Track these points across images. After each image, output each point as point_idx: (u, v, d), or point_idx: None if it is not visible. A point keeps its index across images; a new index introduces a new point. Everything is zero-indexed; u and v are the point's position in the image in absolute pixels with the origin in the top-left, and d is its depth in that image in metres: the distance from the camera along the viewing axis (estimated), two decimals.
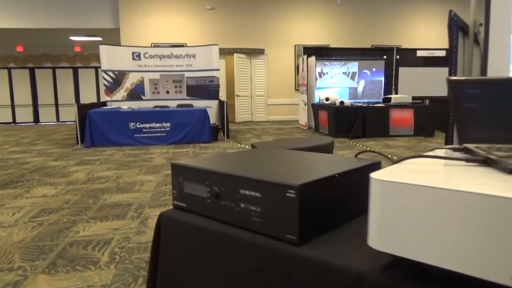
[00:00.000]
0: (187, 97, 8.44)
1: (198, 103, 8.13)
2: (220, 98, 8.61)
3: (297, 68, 11.66)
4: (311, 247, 0.74)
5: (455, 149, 0.79)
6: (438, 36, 12.24)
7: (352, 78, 9.51)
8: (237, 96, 11.23)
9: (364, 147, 6.39)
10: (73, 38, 12.31)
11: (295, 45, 11.75)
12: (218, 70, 8.54)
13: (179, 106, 7.59)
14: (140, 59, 8.36)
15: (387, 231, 0.59)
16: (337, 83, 9.44)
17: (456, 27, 2.71)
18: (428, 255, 0.55)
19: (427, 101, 8.59)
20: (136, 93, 8.37)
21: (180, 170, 0.98)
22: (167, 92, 8.49)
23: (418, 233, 0.56)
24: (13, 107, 13.44)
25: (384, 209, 0.59)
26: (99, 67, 11.05)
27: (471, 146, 0.75)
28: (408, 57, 9.91)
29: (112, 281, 1.91)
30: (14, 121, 13.45)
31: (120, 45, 9.48)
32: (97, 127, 6.66)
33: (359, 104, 8.19)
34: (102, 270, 2.03)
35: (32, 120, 13.54)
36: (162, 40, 10.99)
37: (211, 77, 8.42)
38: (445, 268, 0.54)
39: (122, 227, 2.70)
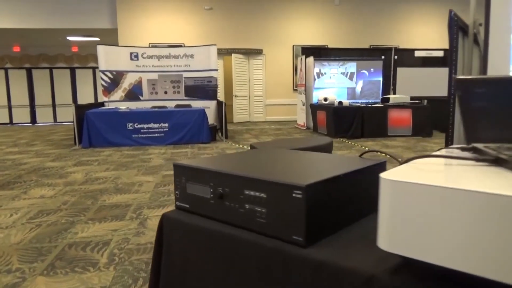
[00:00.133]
0: (185, 98, 8.42)
1: (196, 104, 8.11)
2: (218, 98, 8.59)
3: (295, 69, 11.65)
4: (318, 249, 0.73)
5: (463, 149, 0.78)
6: (436, 36, 12.27)
7: (350, 78, 9.52)
8: (235, 96, 11.21)
9: (363, 147, 6.39)
10: (70, 38, 12.27)
11: (293, 45, 11.75)
12: (216, 70, 8.52)
13: (177, 106, 7.57)
14: (138, 60, 8.33)
15: (397, 233, 0.58)
16: (335, 83, 9.44)
17: (456, 27, 2.71)
18: (440, 256, 0.54)
19: (425, 101, 8.60)
20: (134, 94, 8.34)
21: (183, 170, 0.97)
22: (165, 92, 8.47)
23: (430, 234, 0.55)
24: (10, 107, 13.37)
25: (395, 210, 0.58)
26: (97, 67, 11.02)
27: (479, 145, 0.74)
28: (406, 57, 9.93)
29: (111, 282, 1.89)
30: (11, 122, 13.39)
31: (118, 45, 9.45)
32: (95, 128, 6.63)
33: (358, 104, 8.19)
34: (101, 272, 2.01)
35: (29, 121, 13.48)
36: (160, 40, 10.97)
37: (209, 78, 8.40)
38: (458, 270, 0.53)
39: (121, 228, 2.68)
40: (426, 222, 0.55)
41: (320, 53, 10.08)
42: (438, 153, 0.76)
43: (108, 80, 8.17)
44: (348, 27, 12.00)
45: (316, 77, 9.32)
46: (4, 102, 13.34)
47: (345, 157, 1.00)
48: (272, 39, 11.65)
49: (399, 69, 9.72)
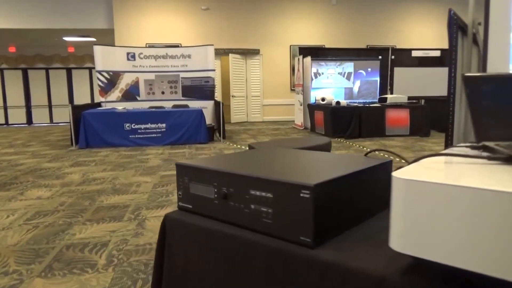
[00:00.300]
0: (183, 98, 8.39)
1: (194, 104, 8.08)
2: (216, 98, 8.57)
3: (292, 69, 11.65)
4: (326, 250, 0.71)
5: (473, 147, 0.76)
6: (433, 36, 12.30)
7: (348, 78, 9.52)
8: (232, 96, 11.19)
9: (361, 147, 6.39)
10: (66, 38, 12.20)
11: (290, 46, 11.74)
12: (214, 70, 8.50)
13: (174, 106, 7.54)
14: (135, 60, 8.29)
15: (410, 233, 0.56)
16: (332, 84, 9.44)
17: (456, 26, 2.70)
18: (455, 257, 0.53)
19: (423, 101, 8.62)
20: (131, 94, 8.31)
21: (186, 170, 0.95)
22: (162, 92, 8.44)
23: (444, 234, 0.53)
24: (5, 108, 13.28)
25: (408, 210, 0.56)
26: (93, 67, 10.96)
27: (490, 144, 0.72)
28: (403, 57, 9.94)
29: (110, 284, 1.87)
30: (6, 123, 13.30)
31: (115, 46, 9.40)
32: (92, 128, 6.59)
33: (355, 104, 8.18)
34: (100, 273, 1.98)
35: (25, 122, 13.39)
36: (157, 41, 10.93)
37: (206, 78, 8.38)
38: (474, 272, 0.51)
39: (119, 229, 2.66)
40: (440, 222, 0.53)
41: (318, 53, 10.08)
42: (448, 151, 0.74)
43: (105, 81, 8.13)
44: (345, 27, 12.01)
45: (313, 77, 9.31)
46: (0, 103, 13.25)
47: (351, 157, 0.99)
48: (269, 39, 11.63)
49: (396, 69, 9.73)
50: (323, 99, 8.29)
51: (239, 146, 6.71)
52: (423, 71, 9.59)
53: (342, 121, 7.52)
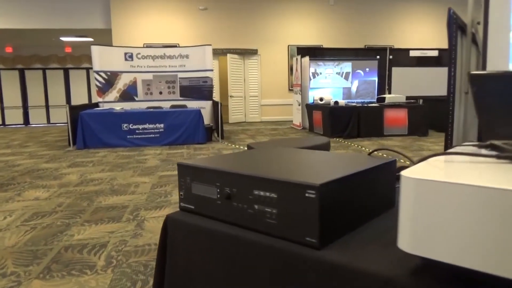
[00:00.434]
0: (181, 98, 8.37)
1: (192, 104, 8.06)
2: (214, 98, 8.55)
3: (290, 69, 11.64)
4: (332, 250, 0.70)
5: (480, 146, 0.75)
6: (430, 36, 12.32)
7: (346, 78, 9.52)
8: (230, 96, 11.18)
9: (359, 147, 6.38)
10: (63, 38, 12.16)
11: (288, 46, 11.74)
12: (212, 70, 8.48)
13: (172, 107, 7.52)
14: (132, 60, 8.27)
15: (420, 233, 0.55)
16: (330, 83, 9.44)
17: (455, 25, 2.70)
18: (467, 258, 0.51)
19: (421, 101, 8.62)
20: (128, 94, 8.28)
21: (187, 170, 0.93)
22: (160, 93, 8.41)
23: (455, 234, 0.52)
24: (2, 109, 13.22)
25: (418, 210, 0.55)
26: (91, 68, 10.92)
27: (498, 142, 0.71)
28: (401, 57, 9.95)
29: (109, 285, 1.85)
30: (3, 123, 13.24)
31: (112, 46, 9.37)
32: (90, 129, 6.56)
33: (353, 104, 8.19)
34: (99, 275, 1.97)
35: (22, 122, 13.33)
36: (154, 41, 10.90)
37: (204, 78, 8.36)
38: (487, 273, 0.50)
39: (118, 230, 2.64)
40: (451, 222, 0.52)
41: (315, 53, 10.08)
42: (456, 150, 0.73)
43: (103, 81, 8.10)
44: (343, 27, 12.01)
45: (311, 77, 9.31)
46: None
47: (354, 156, 0.98)
48: (267, 39, 11.63)
49: (394, 69, 9.74)
50: (321, 99, 8.29)
51: (237, 146, 6.70)
52: (421, 71, 9.60)
53: (340, 121, 7.52)
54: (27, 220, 2.87)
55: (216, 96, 10.30)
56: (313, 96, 9.08)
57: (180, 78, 8.40)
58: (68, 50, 13.30)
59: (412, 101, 8.26)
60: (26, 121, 13.39)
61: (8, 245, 2.40)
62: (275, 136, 8.04)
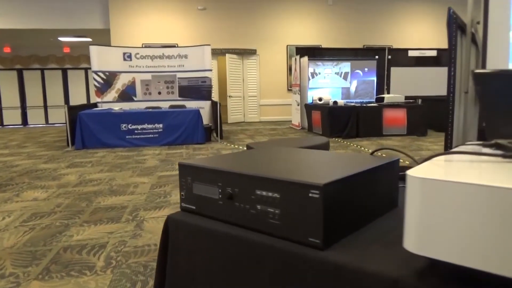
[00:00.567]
0: (179, 98, 8.36)
1: (191, 104, 8.05)
2: (213, 98, 8.54)
3: (289, 69, 11.63)
4: (336, 251, 0.69)
5: (484, 145, 0.74)
6: (429, 36, 12.33)
7: (345, 78, 9.52)
8: (229, 96, 11.16)
9: (359, 146, 6.38)
10: (62, 39, 12.12)
11: (287, 46, 11.73)
12: (211, 70, 8.47)
13: (171, 107, 7.51)
14: (131, 60, 8.25)
15: (426, 234, 0.54)
16: (329, 83, 9.44)
17: (455, 25, 2.69)
18: (474, 259, 0.51)
19: (420, 101, 8.63)
20: (127, 94, 8.26)
21: (189, 170, 0.92)
22: (159, 93, 8.40)
23: (463, 235, 0.51)
24: (0, 109, 13.19)
25: (424, 210, 0.54)
26: (89, 68, 10.90)
27: (503, 141, 0.70)
28: (400, 57, 9.96)
29: (109, 286, 1.84)
30: (1, 124, 13.20)
31: (111, 46, 9.35)
32: (88, 129, 6.54)
33: (352, 104, 8.19)
34: (98, 276, 1.96)
35: (20, 123, 13.29)
36: (153, 41, 10.88)
37: (203, 78, 8.34)
38: (494, 274, 0.49)
39: (117, 230, 2.63)
40: (459, 222, 0.51)
41: (314, 53, 10.08)
42: (461, 149, 0.73)
43: (101, 81, 8.08)
44: (341, 27, 12.01)
45: (310, 77, 9.30)
46: None
47: (357, 155, 0.97)
48: (266, 39, 11.62)
49: (392, 69, 9.75)
50: (320, 99, 8.28)
51: (236, 146, 6.69)
52: (419, 71, 9.61)
53: (339, 121, 7.51)
54: (26, 221, 2.86)
55: (215, 96, 10.29)
56: (312, 96, 9.07)
57: (179, 78, 8.39)
58: (66, 50, 13.27)
59: (411, 101, 8.26)
60: (25, 121, 13.36)
61: (6, 246, 2.38)
62: (274, 136, 8.03)
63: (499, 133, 0.77)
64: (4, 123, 13.19)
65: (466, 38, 3.09)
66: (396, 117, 7.72)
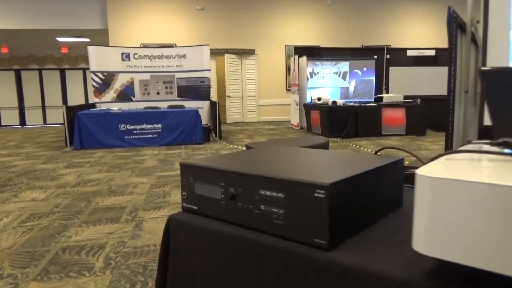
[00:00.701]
0: (178, 98, 8.33)
1: (189, 104, 8.03)
2: (212, 98, 8.52)
3: (288, 68, 11.62)
4: (342, 252, 0.68)
5: (492, 144, 0.73)
6: (427, 35, 12.33)
7: (343, 78, 9.52)
8: (228, 96, 11.15)
9: (358, 146, 6.38)
10: (60, 39, 12.08)
11: (285, 45, 11.72)
12: (209, 70, 8.45)
13: (170, 107, 7.48)
14: (129, 60, 8.22)
15: (436, 234, 0.53)
16: (328, 83, 9.43)
17: (455, 24, 2.68)
18: (485, 260, 0.49)
19: (418, 100, 8.63)
20: (125, 94, 8.24)
21: (191, 170, 0.91)
22: (158, 93, 8.37)
23: (473, 235, 0.50)
24: None
25: (434, 210, 0.53)
26: (87, 68, 10.85)
27: (511, 140, 0.69)
28: (399, 56, 9.96)
29: (108, 287, 1.83)
30: None
31: (109, 46, 9.32)
32: (87, 129, 6.52)
33: (351, 103, 8.18)
34: (98, 276, 1.94)
35: (18, 123, 13.24)
36: (151, 41, 10.85)
37: (202, 78, 8.32)
38: (505, 275, 0.48)
39: (116, 231, 2.61)
40: (469, 222, 0.50)
41: (313, 53, 10.07)
42: (468, 148, 0.71)
43: (99, 81, 8.05)
44: (340, 26, 12.01)
45: (309, 77, 9.30)
46: None
47: (362, 155, 0.96)
48: (264, 39, 11.60)
49: (391, 68, 9.75)
50: (319, 99, 8.27)
51: (235, 146, 6.67)
52: (418, 71, 9.61)
53: (338, 121, 7.51)
54: (24, 221, 2.84)
55: (213, 96, 10.26)
56: (311, 96, 9.06)
57: (177, 78, 8.37)
58: (64, 50, 13.22)
59: (410, 100, 8.26)
60: (23, 121, 13.30)
61: (5, 246, 2.36)
62: (273, 136, 8.02)
63: (506, 132, 0.75)
64: (2, 124, 13.14)
65: (466, 37, 3.08)
66: (395, 117, 7.71)
